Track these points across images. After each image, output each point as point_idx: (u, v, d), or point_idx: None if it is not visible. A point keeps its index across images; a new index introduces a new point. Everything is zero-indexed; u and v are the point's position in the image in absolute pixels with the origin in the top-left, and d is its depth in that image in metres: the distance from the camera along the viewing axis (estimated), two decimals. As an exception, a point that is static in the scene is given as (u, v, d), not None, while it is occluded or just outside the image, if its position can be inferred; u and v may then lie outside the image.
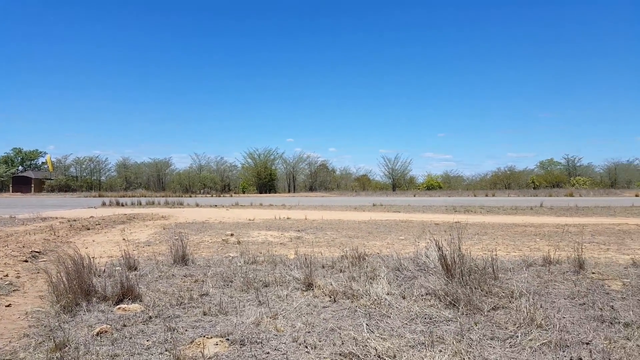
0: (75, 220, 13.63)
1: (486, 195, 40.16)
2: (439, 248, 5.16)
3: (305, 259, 5.93)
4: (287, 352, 3.18)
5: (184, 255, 6.52)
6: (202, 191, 59.56)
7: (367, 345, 3.21)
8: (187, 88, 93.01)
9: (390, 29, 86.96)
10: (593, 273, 5.52)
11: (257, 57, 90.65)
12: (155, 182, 67.28)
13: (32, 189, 62.44)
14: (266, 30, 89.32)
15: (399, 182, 67.11)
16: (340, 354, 3.10)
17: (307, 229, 11.80)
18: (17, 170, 72.68)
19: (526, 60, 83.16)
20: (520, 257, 6.67)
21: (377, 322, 3.78)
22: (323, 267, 6.06)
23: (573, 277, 5.33)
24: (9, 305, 4.47)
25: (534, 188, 55.60)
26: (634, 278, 5.22)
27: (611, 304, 4.23)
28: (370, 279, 5.17)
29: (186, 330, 3.67)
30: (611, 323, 3.67)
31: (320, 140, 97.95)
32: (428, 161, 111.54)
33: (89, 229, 11.92)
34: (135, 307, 4.30)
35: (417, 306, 4.18)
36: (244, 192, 60.64)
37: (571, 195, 38.09)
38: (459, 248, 4.96)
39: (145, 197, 36.03)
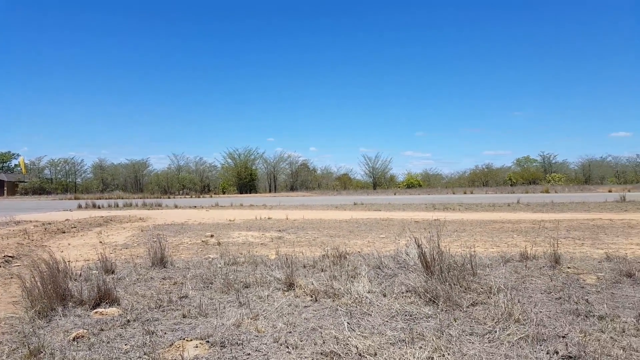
0: (50, 224, 13.33)
1: (464, 193, 40.72)
2: (419, 246, 5.21)
3: (287, 258, 5.92)
4: (268, 352, 3.17)
5: (163, 258, 6.44)
6: (181, 192, 58.93)
7: (348, 344, 3.22)
8: (165, 88, 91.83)
9: (365, 30, 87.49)
10: (569, 268, 5.65)
11: (236, 59, 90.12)
12: (132, 183, 66.30)
13: (5, 192, 60.79)
14: (249, 32, 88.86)
15: (379, 181, 67.55)
16: (321, 353, 3.11)
17: (288, 229, 11.77)
18: (-11, 173, 70.69)
19: (502, 60, 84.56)
20: (498, 253, 6.78)
21: (358, 321, 3.80)
22: (304, 266, 6.06)
23: (549, 272, 5.45)
24: (-20, 312, 4.34)
25: (511, 185, 56.61)
26: (607, 272, 5.35)
27: (586, 297, 4.33)
28: (352, 277, 5.19)
29: (165, 333, 3.62)
30: (586, 316, 3.76)
31: (301, 140, 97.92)
32: (408, 160, 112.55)
33: (64, 232, 11.66)
34: (112, 310, 4.23)
35: (398, 303, 4.21)
36: (224, 193, 60.19)
37: (547, 191, 38.91)
38: (438, 245, 5.02)
39: (122, 199, 35.45)
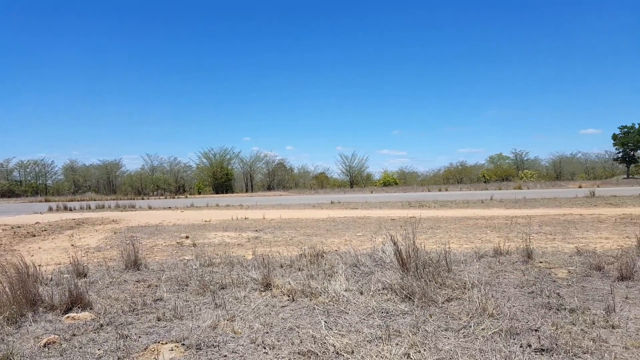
0: (19, 227, 12.94)
1: (439, 190, 41.27)
2: (395, 243, 5.24)
3: (263, 259, 5.89)
4: (244, 354, 3.14)
5: (136, 260, 6.32)
6: (155, 193, 58.01)
7: (325, 343, 3.22)
8: (135, 88, 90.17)
9: (341, 30, 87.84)
10: (541, 262, 5.78)
11: (210, 59, 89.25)
12: (105, 184, 64.95)
13: (-29, 195, 58.66)
14: (226, 34, 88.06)
15: (356, 179, 67.87)
16: (298, 353, 3.10)
17: (265, 229, 11.72)
18: (-47, 176, 68.09)
19: (476, 59, 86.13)
20: (472, 249, 6.89)
21: (336, 319, 3.80)
22: (281, 266, 6.03)
23: (522, 267, 5.56)
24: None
25: (485, 182, 57.70)
26: (578, 266, 5.50)
27: (557, 291, 4.44)
28: (329, 276, 5.19)
29: (140, 337, 3.55)
30: (558, 309, 3.85)
31: (278, 139, 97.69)
32: (384, 158, 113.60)
33: (34, 236, 11.33)
34: (85, 315, 4.12)
35: (375, 301, 4.23)
36: (199, 193, 59.49)
37: (519, 188, 39.79)
38: (414, 242, 5.07)
39: (94, 200, 34.74)
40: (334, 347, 3.13)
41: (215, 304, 4.34)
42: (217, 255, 7.28)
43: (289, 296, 4.52)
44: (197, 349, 3.24)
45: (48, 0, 79.07)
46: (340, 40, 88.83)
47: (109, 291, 5.04)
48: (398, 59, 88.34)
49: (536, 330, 3.34)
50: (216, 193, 59.14)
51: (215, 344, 3.32)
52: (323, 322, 3.67)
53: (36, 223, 14.59)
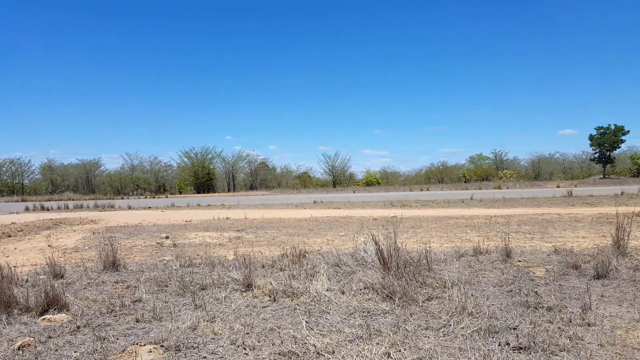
0: (-8, 228, 12.59)
1: (421, 190, 41.65)
2: (376, 243, 5.26)
3: (245, 259, 5.85)
4: (224, 355, 3.11)
5: (115, 261, 6.21)
6: (135, 193, 57.18)
7: (306, 343, 3.20)
8: (116, 87, 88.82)
9: (323, 31, 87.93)
10: (519, 261, 5.86)
11: (192, 58, 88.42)
12: (84, 184, 63.79)
13: (-57, 195, 56.95)
14: (199, 31, 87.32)
15: (339, 179, 68.00)
16: (279, 354, 3.08)
17: (247, 229, 11.65)
18: None
19: (458, 60, 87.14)
20: (453, 248, 6.96)
21: (317, 319, 3.79)
22: (263, 266, 6.00)
23: (501, 266, 5.64)
24: None
25: (465, 182, 58.40)
26: (555, 264, 5.59)
27: (535, 289, 4.50)
28: (310, 276, 5.18)
29: (117, 338, 3.49)
30: (536, 308, 3.91)
31: (260, 138, 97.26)
32: (367, 158, 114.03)
33: (10, 236, 11.06)
34: (61, 317, 4.04)
35: (356, 300, 4.24)
36: (180, 193, 58.88)
37: (499, 187, 40.41)
38: (395, 242, 5.09)
39: (73, 200, 34.13)
40: (315, 347, 3.12)
41: (195, 304, 4.29)
42: (198, 255, 7.20)
43: (270, 296, 4.49)
44: (176, 350, 3.20)
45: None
46: (322, 40, 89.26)
47: (87, 292, 4.95)
48: (380, 59, 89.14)
49: (514, 329, 3.38)
50: (197, 193, 58.60)
51: (194, 345, 3.28)
52: (304, 322, 3.66)
53: (12, 223, 14.24)
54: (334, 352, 3.05)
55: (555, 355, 2.91)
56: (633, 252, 5.97)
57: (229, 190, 62.91)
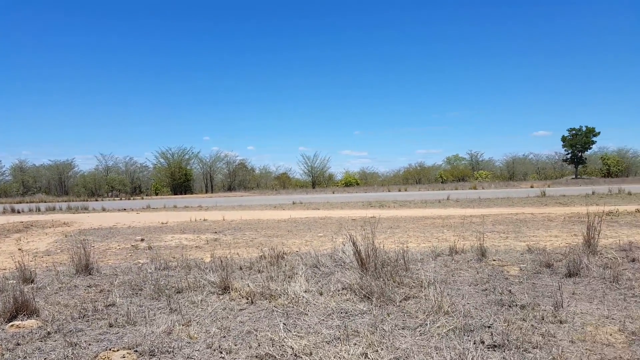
0: (-41, 232, 12.17)
1: (399, 190, 41.99)
2: (354, 243, 5.27)
3: (222, 261, 5.78)
4: (200, 359, 3.06)
5: (88, 264, 6.07)
6: (110, 194, 55.99)
7: (283, 345, 3.19)
8: (89, 86, 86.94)
9: (301, 32, 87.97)
10: (494, 260, 5.96)
11: (168, 58, 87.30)
12: (57, 186, 62.25)
13: None
14: (178, 31, 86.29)
15: (318, 180, 68.01)
16: (256, 357, 3.05)
17: (225, 230, 11.54)
18: None
19: (435, 61, 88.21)
20: (430, 248, 7.03)
21: (295, 321, 3.77)
22: (241, 268, 5.95)
23: (476, 265, 5.72)
24: None
25: (442, 182, 59.13)
26: (529, 263, 5.70)
27: (509, 288, 4.58)
28: (289, 277, 5.16)
29: (90, 344, 3.40)
30: (510, 306, 3.98)
31: (239, 139, 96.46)
32: (346, 158, 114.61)
33: (-24, 241, 10.70)
34: (31, 323, 3.92)
35: (334, 301, 4.24)
36: (157, 194, 58.00)
37: (475, 188, 41.06)
38: (373, 242, 5.11)
39: (45, 202, 33.30)
40: (292, 349, 3.10)
41: (171, 308, 4.22)
42: (174, 258, 7.10)
43: (247, 299, 4.45)
44: (151, 355, 3.14)
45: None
46: (300, 41, 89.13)
47: (58, 297, 4.82)
48: (358, 60, 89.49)
49: (489, 327, 3.44)
50: (174, 194, 57.84)
51: (169, 349, 3.22)
52: (282, 325, 3.64)
53: (-21, 227, 13.80)
54: (311, 353, 3.04)
55: (529, 352, 2.96)
56: (603, 250, 6.13)
57: (206, 192, 62.22)
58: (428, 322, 3.57)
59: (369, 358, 2.95)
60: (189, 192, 60.62)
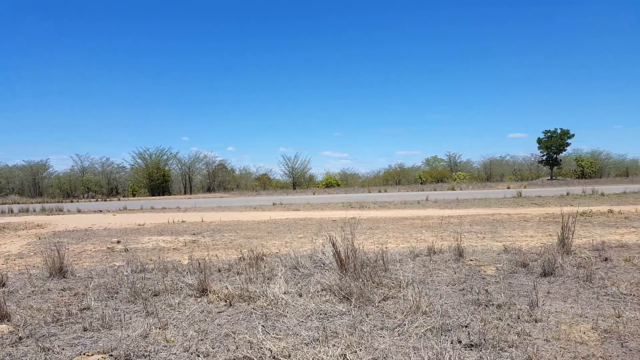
0: None
1: (379, 191, 42.24)
2: (334, 244, 5.27)
3: (200, 263, 5.71)
4: (177, 363, 3.02)
5: (62, 267, 5.92)
6: (85, 195, 54.94)
7: (262, 347, 3.16)
8: (65, 86, 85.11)
9: (276, 33, 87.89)
10: (471, 260, 6.04)
11: (146, 57, 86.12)
12: (30, 187, 60.75)
13: None
14: (156, 30, 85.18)
15: (299, 181, 67.95)
16: (234, 359, 3.02)
17: (204, 232, 11.42)
18: None
19: (413, 63, 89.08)
20: (408, 249, 7.08)
21: (274, 323, 3.75)
22: (219, 270, 5.89)
23: (454, 265, 5.79)
24: None
25: (421, 183, 59.80)
26: (505, 263, 5.79)
27: (486, 287, 4.65)
28: (268, 279, 5.13)
29: (63, 349, 3.32)
30: (486, 305, 4.03)
31: (219, 139, 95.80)
32: (326, 159, 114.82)
33: (-56, 244, 10.34)
34: (2, 328, 3.80)
35: (313, 303, 4.23)
36: (134, 195, 57.10)
37: (453, 189, 41.56)
38: (352, 243, 5.12)
39: (18, 204, 32.45)
40: (271, 351, 3.08)
41: (147, 311, 4.15)
42: (151, 260, 6.99)
43: (226, 301, 4.41)
44: (126, 359, 3.08)
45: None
46: (282, 43, 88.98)
47: (31, 301, 4.69)
48: (339, 61, 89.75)
49: (466, 326, 3.47)
50: (152, 195, 57.05)
51: (145, 353, 3.16)
52: (260, 327, 3.61)
53: (-52, 229, 13.36)
54: (289, 355, 3.03)
55: (505, 351, 3.00)
56: (577, 250, 6.27)
57: (185, 193, 61.54)
58: (406, 323, 3.59)
59: (347, 359, 2.95)
60: (167, 193, 59.89)
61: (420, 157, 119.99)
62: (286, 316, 3.91)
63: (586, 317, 3.69)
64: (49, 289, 5.23)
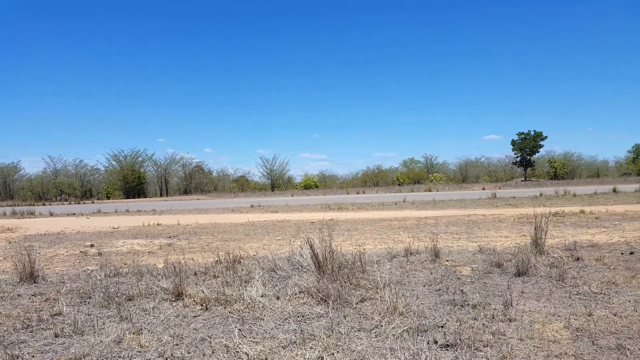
0: None
1: (357, 193, 42.42)
2: (312, 246, 5.26)
3: (175, 267, 5.62)
4: (151, 369, 2.96)
5: (33, 272, 5.75)
6: (58, 198, 53.55)
7: (238, 351, 3.13)
8: (37, 88, 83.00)
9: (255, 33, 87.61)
10: (447, 261, 6.11)
11: (121, 58, 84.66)
12: (0, 190, 58.94)
13: None
14: (132, 29, 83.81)
15: (277, 183, 67.75)
16: (210, 364, 2.98)
17: (180, 235, 11.27)
18: None
19: (390, 64, 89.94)
20: (386, 250, 7.12)
21: (251, 326, 3.72)
22: (195, 274, 5.81)
23: (430, 266, 5.84)
24: None
25: (399, 185, 60.28)
26: (480, 263, 5.88)
27: (462, 288, 4.70)
28: (245, 282, 5.08)
29: (33, 356, 3.23)
30: (462, 305, 4.08)
31: (196, 141, 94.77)
32: (305, 161, 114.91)
33: None
34: (-33, 336, 3.67)
35: (291, 305, 4.21)
36: (108, 198, 55.98)
37: (430, 190, 42.03)
38: (330, 245, 5.12)
39: (-14, 207, 31.33)
40: (248, 355, 3.05)
41: (121, 316, 4.06)
42: (125, 264, 6.86)
43: (202, 305, 4.35)
44: (98, 366, 3.01)
45: None
46: (261, 44, 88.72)
47: (-1, 307, 4.55)
48: (317, 63, 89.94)
49: (442, 327, 3.51)
50: (127, 198, 56.05)
51: (119, 359, 3.09)
52: (237, 331, 3.57)
53: None
54: (266, 359, 3.00)
55: (480, 350, 3.04)
56: (550, 250, 6.41)
57: (161, 195, 60.68)
58: (383, 324, 3.60)
59: (324, 361, 2.94)
60: (143, 195, 58.93)
61: (397, 158, 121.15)
62: (263, 319, 3.88)
63: (559, 316, 3.76)
64: (19, 295, 5.08)
